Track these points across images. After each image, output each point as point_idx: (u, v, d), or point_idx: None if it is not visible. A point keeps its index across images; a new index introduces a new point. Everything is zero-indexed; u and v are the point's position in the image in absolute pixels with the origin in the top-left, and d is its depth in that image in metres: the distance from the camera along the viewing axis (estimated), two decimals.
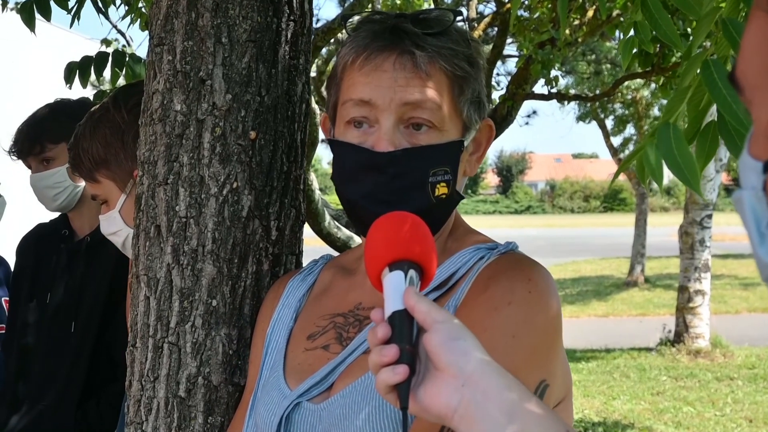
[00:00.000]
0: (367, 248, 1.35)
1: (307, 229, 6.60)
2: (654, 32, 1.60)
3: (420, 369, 1.24)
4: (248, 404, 1.75)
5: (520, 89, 7.00)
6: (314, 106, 5.95)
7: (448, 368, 1.21)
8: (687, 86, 1.34)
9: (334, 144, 1.67)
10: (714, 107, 1.37)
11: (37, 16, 3.21)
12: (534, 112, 16.34)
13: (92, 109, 2.42)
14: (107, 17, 6.16)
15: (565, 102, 7.94)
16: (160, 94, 1.95)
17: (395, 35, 1.60)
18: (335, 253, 1.95)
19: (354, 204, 1.63)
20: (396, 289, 1.28)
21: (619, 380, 11.66)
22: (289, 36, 1.98)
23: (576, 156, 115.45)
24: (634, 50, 2.12)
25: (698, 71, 1.30)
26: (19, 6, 3.27)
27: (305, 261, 2.02)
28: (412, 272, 1.30)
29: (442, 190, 1.63)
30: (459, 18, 1.69)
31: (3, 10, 4.26)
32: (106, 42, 8.15)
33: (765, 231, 0.80)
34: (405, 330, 1.24)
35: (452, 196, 1.66)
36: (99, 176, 2.34)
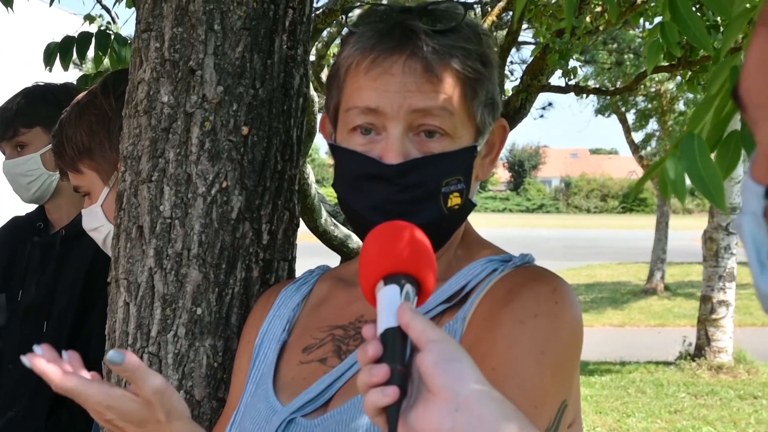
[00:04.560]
0: (362, 259, 1.35)
1: (301, 225, 6.57)
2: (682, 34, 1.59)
3: (412, 391, 1.24)
4: (229, 420, 1.75)
5: (535, 80, 6.97)
6: (313, 93, 5.94)
7: (442, 391, 1.20)
8: (714, 94, 1.33)
9: (336, 150, 1.67)
10: (738, 115, 1.36)
11: None
12: (550, 104, 16.31)
13: (79, 95, 2.42)
14: None
15: (583, 95, 7.93)
16: (146, 84, 1.95)
17: (403, 34, 1.58)
18: (331, 258, 1.94)
19: (359, 215, 1.63)
20: (390, 305, 1.27)
21: (635, 396, 11.66)
22: (287, 24, 1.98)
23: (594, 151, 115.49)
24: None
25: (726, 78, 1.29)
26: None
27: (299, 259, 2.02)
28: (408, 287, 1.29)
29: (455, 200, 1.63)
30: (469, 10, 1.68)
31: None
32: (89, 18, 8.16)
33: (765, 260, 0.79)
34: (397, 349, 1.23)
35: (465, 206, 1.66)
36: (82, 166, 2.34)
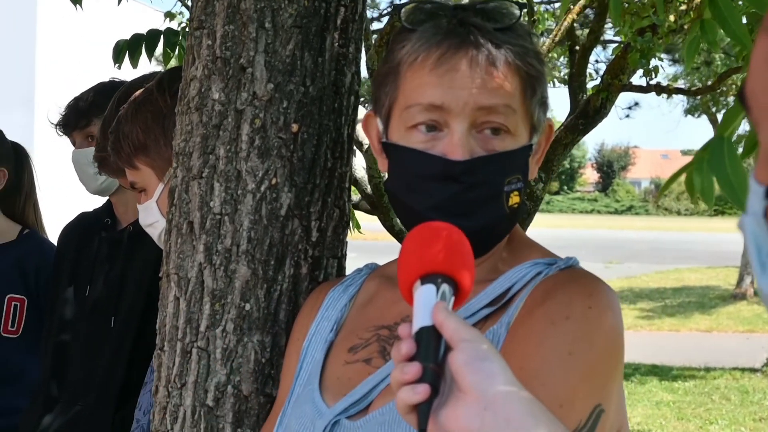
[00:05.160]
0: (400, 259, 1.36)
1: (378, 224, 6.56)
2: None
3: (444, 390, 1.25)
4: (277, 418, 1.77)
5: (615, 80, 6.92)
6: None
7: (471, 390, 1.21)
8: None
9: (393, 148, 1.67)
10: None
11: None
12: (636, 104, 16.16)
13: (136, 92, 2.46)
14: None
15: (665, 95, 7.83)
16: (197, 81, 1.98)
17: (466, 32, 1.59)
18: (382, 261, 1.95)
19: (419, 215, 1.60)
20: (426, 304, 1.29)
21: (718, 403, 11.51)
22: (338, 22, 2.00)
23: (685, 152, 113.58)
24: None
25: None
26: None
27: (372, 256, 2.03)
28: (444, 287, 1.30)
29: (515, 199, 1.64)
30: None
31: None
32: (170, 15, 8.31)
33: (766, 260, 0.80)
34: (431, 347, 1.24)
35: (522, 205, 1.67)
36: (138, 162, 2.38)
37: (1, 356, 3.71)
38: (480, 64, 1.57)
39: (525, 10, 1.66)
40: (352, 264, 2.05)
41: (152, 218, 2.38)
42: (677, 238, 45.43)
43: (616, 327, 1.55)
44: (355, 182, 6.73)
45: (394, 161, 1.67)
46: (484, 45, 1.58)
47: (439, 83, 1.58)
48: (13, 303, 3.74)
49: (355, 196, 7.12)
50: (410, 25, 1.64)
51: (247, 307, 1.94)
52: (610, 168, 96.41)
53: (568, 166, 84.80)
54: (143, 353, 2.98)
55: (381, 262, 1.95)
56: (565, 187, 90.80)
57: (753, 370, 13.42)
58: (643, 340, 15.93)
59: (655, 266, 28.88)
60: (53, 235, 3.94)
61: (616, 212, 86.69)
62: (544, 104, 1.68)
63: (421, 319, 1.27)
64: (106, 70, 3.63)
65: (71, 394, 3.11)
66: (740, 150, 1.44)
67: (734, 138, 1.35)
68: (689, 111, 22.51)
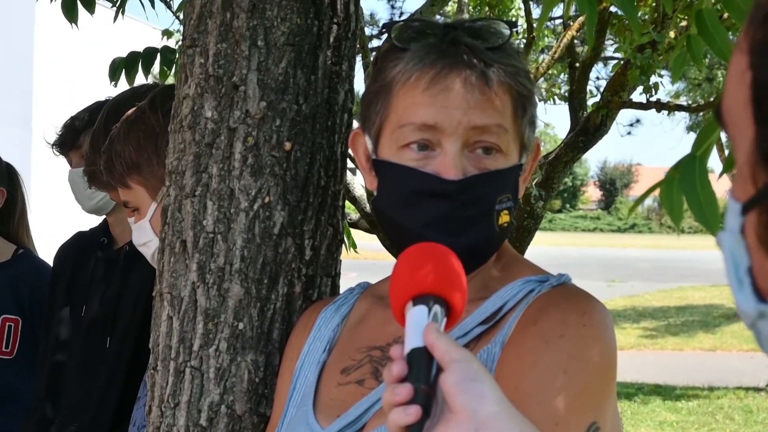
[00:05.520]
0: (392, 280, 1.37)
1: (378, 243, 6.56)
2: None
3: (436, 411, 1.25)
4: None
5: (615, 96, 6.94)
6: None
7: (462, 411, 1.21)
8: None
9: (384, 166, 1.68)
10: None
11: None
12: (638, 121, 16.20)
13: (129, 110, 2.47)
14: (168, 6, 6.28)
15: (665, 112, 7.85)
16: (190, 100, 1.99)
17: (459, 51, 1.60)
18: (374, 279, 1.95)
19: (410, 232, 1.62)
20: (418, 325, 1.29)
21: (722, 423, 11.48)
22: (331, 40, 2.01)
23: None
24: None
25: None
26: None
27: (373, 276, 2.03)
28: (436, 308, 1.31)
29: (505, 218, 1.65)
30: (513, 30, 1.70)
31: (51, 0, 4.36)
32: (167, 33, 8.32)
33: (743, 277, 0.81)
34: (422, 369, 1.25)
35: (511, 224, 1.68)
36: (130, 181, 2.39)
37: None
38: (473, 83, 1.58)
39: (515, 29, 1.67)
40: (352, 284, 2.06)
41: (145, 237, 2.39)
42: (680, 257, 45.37)
43: (609, 344, 1.56)
44: (354, 201, 6.73)
45: (386, 179, 1.68)
46: (477, 65, 1.59)
47: (432, 103, 1.59)
48: (8, 324, 3.75)
49: (354, 215, 7.11)
50: (400, 43, 1.65)
51: (241, 326, 1.94)
52: (613, 186, 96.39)
53: (570, 183, 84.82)
54: (139, 373, 2.99)
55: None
56: (568, 205, 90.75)
57: (757, 390, 13.38)
58: (646, 359, 15.91)
59: (658, 285, 28.83)
60: (49, 252, 3.96)
61: (619, 230, 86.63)
62: (533, 123, 1.69)
63: (412, 340, 1.28)
64: (103, 88, 3.65)
65: (67, 415, 3.11)
66: None
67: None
68: (692, 128, 22.48)
